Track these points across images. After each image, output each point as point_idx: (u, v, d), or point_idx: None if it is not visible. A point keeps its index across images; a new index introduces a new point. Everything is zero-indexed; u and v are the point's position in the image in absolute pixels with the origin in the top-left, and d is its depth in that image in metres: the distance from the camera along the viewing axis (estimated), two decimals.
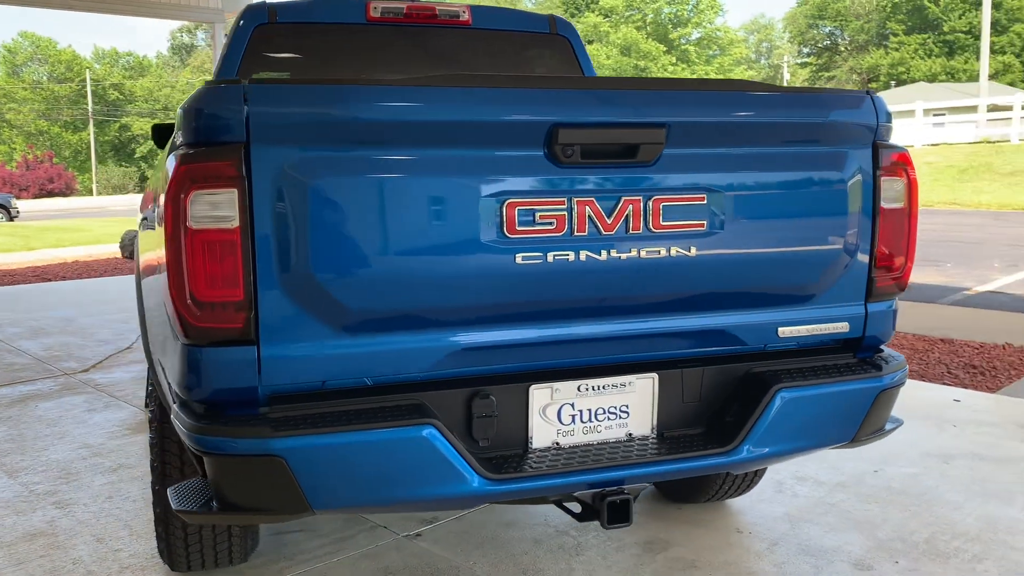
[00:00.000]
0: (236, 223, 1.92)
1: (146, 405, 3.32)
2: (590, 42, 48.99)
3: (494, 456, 2.18)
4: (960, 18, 50.12)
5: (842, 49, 57.88)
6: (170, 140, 2.34)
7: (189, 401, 2.04)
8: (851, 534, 3.28)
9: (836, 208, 2.32)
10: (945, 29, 50.53)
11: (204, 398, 2.00)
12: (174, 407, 2.12)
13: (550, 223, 2.07)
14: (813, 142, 2.31)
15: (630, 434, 2.31)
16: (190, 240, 1.92)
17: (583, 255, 2.10)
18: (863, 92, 2.38)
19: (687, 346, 2.32)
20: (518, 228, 2.05)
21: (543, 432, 2.23)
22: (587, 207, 2.09)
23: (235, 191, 1.91)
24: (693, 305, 2.26)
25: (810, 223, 2.31)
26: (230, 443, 1.95)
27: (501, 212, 2.04)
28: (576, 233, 2.09)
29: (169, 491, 2.15)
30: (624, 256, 2.13)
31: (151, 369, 2.63)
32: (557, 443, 2.25)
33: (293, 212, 1.94)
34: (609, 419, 2.28)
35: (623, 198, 2.11)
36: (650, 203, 2.13)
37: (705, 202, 2.18)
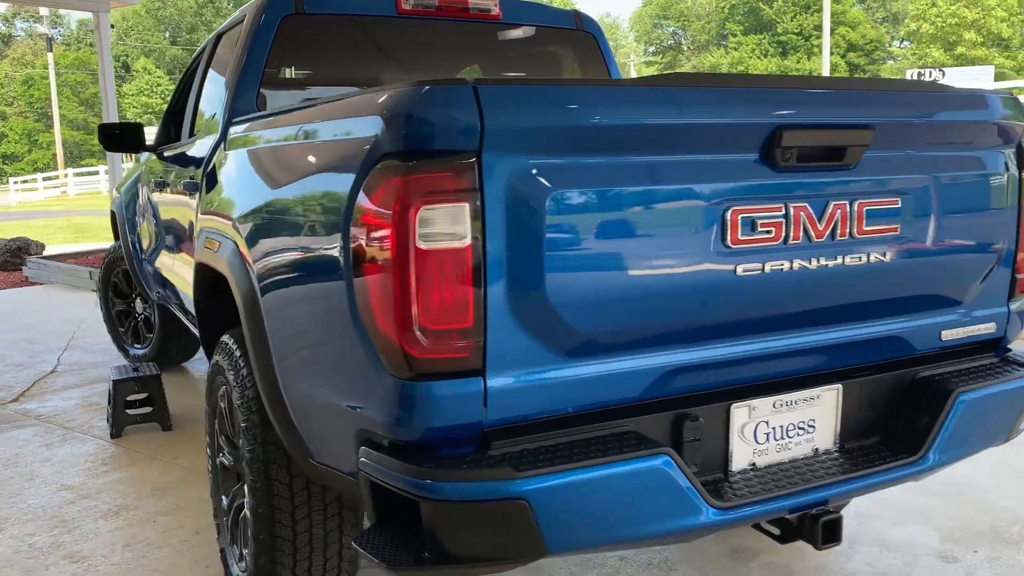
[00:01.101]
0: (467, 241, 1.70)
1: (215, 448, 2.96)
2: None
3: (702, 482, 2.04)
4: (792, 20, 53.16)
5: (685, 48, 60.29)
6: (326, 151, 2.04)
7: (397, 440, 1.80)
8: (918, 527, 3.33)
9: (997, 208, 2.33)
10: (779, 30, 53.46)
11: (419, 437, 1.77)
12: (367, 449, 1.86)
13: (768, 231, 1.96)
14: (980, 143, 2.30)
15: (816, 449, 2.22)
16: (419, 261, 1.68)
17: (796, 263, 2.01)
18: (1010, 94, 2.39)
19: (867, 353, 2.26)
20: (740, 237, 1.93)
21: (741, 453, 2.11)
22: (801, 213, 1.99)
23: (467, 206, 1.69)
24: (878, 311, 2.21)
25: (977, 224, 2.31)
26: (466, 487, 1.72)
27: (724, 221, 1.91)
28: (791, 241, 1.99)
29: (355, 543, 1.89)
30: (831, 263, 2.05)
31: (274, 406, 2.31)
32: (753, 463, 2.13)
33: (524, 227, 1.74)
34: (798, 435, 2.19)
35: (832, 203, 2.03)
36: (855, 208, 2.06)
37: (899, 205, 2.13)
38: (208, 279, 2.97)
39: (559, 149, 1.75)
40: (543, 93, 1.76)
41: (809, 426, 2.20)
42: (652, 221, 1.85)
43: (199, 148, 3.59)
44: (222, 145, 3.16)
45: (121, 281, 5.87)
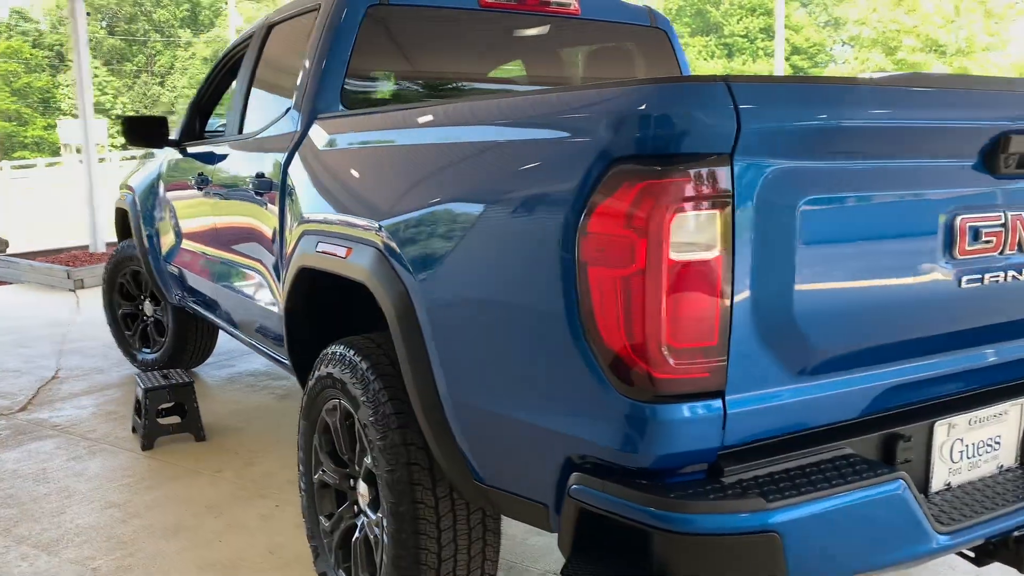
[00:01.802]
0: (717, 252, 1.57)
1: (313, 464, 2.76)
2: None
3: None
4: (738, 23, 53.94)
5: None
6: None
7: (625, 466, 1.66)
8: None
9: None
10: (725, 33, 54.21)
11: (652, 463, 1.63)
12: (582, 476, 1.72)
13: (990, 241, 1.88)
14: None
15: (1000, 466, 2.14)
16: (670, 274, 1.54)
17: (1010, 275, 1.92)
18: None
19: None
20: (967, 248, 1.84)
21: (939, 472, 2.02)
22: (1018, 222, 1.91)
23: (718, 213, 1.56)
24: None
25: None
26: (715, 519, 1.59)
27: (953, 230, 1.82)
28: (1007, 251, 1.91)
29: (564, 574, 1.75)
30: None
31: (432, 423, 2.13)
32: (948, 483, 2.04)
33: (772, 236, 1.62)
34: (986, 452, 2.10)
35: None
36: None
37: None
38: (306, 285, 2.78)
39: (808, 152, 1.64)
40: (798, 92, 1.64)
41: (995, 443, 2.12)
42: (890, 229, 1.75)
43: (265, 144, 3.38)
44: (309, 141, 2.97)
45: (129, 282, 5.57)
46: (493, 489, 2.05)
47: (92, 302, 8.05)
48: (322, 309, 2.87)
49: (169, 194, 4.74)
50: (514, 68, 3.65)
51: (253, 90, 3.84)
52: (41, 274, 8.90)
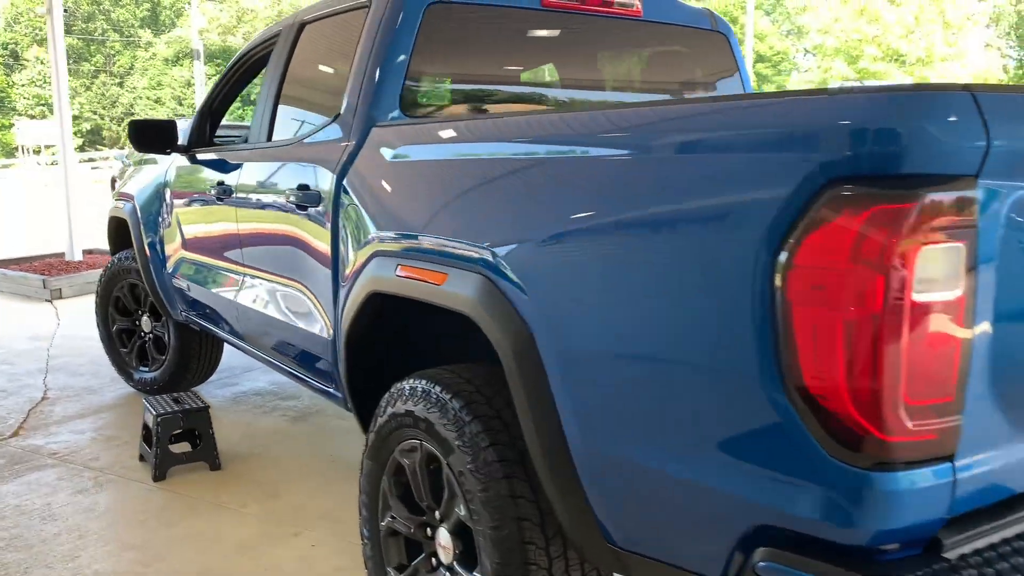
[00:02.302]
0: (960, 291, 1.34)
1: (379, 508, 2.48)
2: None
3: None
4: None
5: None
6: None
7: (837, 542, 1.42)
8: None
9: None
10: None
11: (868, 540, 1.39)
12: (774, 551, 1.47)
13: None
14: None
15: None
16: (912, 318, 1.31)
17: None
18: None
19: None
20: None
21: None
22: None
23: (963, 246, 1.33)
24: None
25: None
26: None
27: None
28: None
29: None
30: None
31: (556, 475, 1.87)
32: None
33: (1013, 273, 1.39)
34: None
35: None
36: None
37: None
38: (375, 311, 2.50)
39: None
40: None
41: None
42: None
43: (306, 154, 3.10)
44: (371, 151, 2.69)
45: (126, 296, 5.22)
46: (631, 554, 1.79)
47: (73, 314, 7.64)
48: (388, 337, 2.60)
49: (178, 203, 4.41)
50: (576, 71, 3.40)
51: (283, 94, 3.55)
52: (15, 283, 8.46)
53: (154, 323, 5.14)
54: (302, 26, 3.53)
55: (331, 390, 3.05)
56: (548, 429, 1.87)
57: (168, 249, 4.56)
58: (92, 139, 53.47)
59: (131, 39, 57.80)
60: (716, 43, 3.58)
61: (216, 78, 4.39)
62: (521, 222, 1.95)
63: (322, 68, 3.37)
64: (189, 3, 57.14)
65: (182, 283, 4.41)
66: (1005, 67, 42.20)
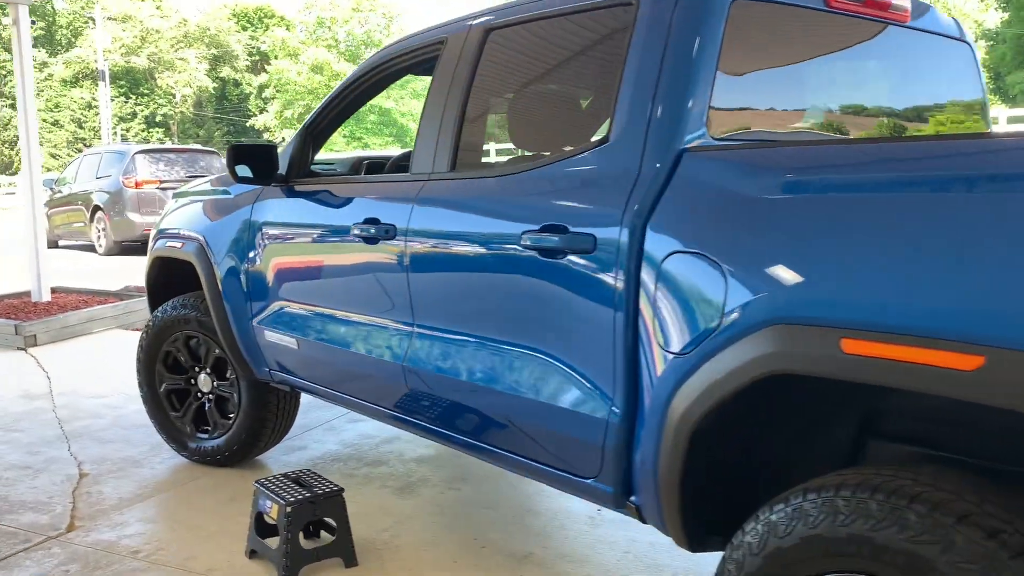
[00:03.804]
0: None
1: None
2: (275, 57, 46.48)
3: None
4: None
5: None
6: None
7: None
8: None
9: None
10: None
11: None
12: None
13: None
14: None
15: None
16: None
17: None
18: None
19: None
20: None
21: None
22: None
23: None
24: None
25: None
26: None
27: None
28: None
29: None
30: None
31: None
32: None
33: None
34: None
35: None
36: None
37: None
38: (751, 391, 1.92)
39: None
40: None
41: None
42: None
43: (550, 188, 2.50)
44: (701, 185, 2.11)
45: (181, 350, 4.43)
46: None
47: (58, 364, 6.70)
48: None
49: (279, 243, 3.70)
50: (857, 82, 2.90)
51: (469, 115, 2.92)
52: None
53: (217, 382, 4.37)
54: (488, 31, 2.92)
55: (589, 482, 2.43)
56: None
57: (259, 297, 3.83)
58: None
59: None
60: (963, 54, 3.14)
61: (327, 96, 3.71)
62: None
63: (547, 83, 2.76)
64: (87, 22, 54.59)
65: (283, 338, 3.69)
66: None
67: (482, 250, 2.70)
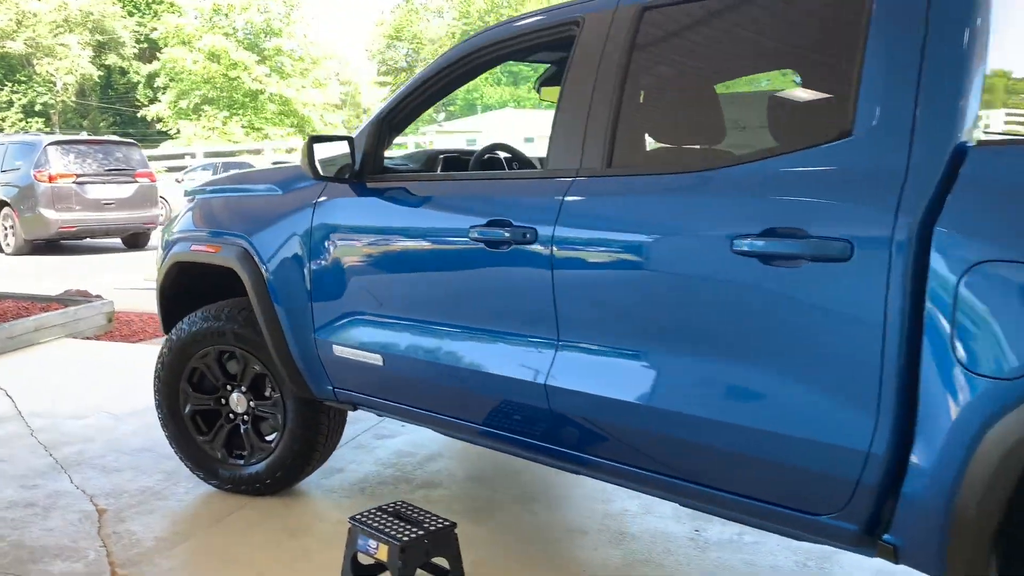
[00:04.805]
0: None
1: None
2: (166, 44, 44.32)
3: None
4: None
5: (417, 70, 60.22)
6: None
7: None
8: None
9: None
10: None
11: None
12: None
13: None
14: None
15: None
16: None
17: None
18: None
19: None
20: None
21: None
22: None
23: None
24: None
25: None
26: None
27: None
28: None
29: None
30: None
31: None
32: None
33: None
34: None
35: None
36: None
37: None
38: None
39: None
40: None
41: None
42: None
43: (774, 184, 2.22)
44: (976, 181, 1.88)
45: (212, 367, 3.95)
46: None
47: (12, 379, 6.01)
48: None
49: (354, 247, 3.30)
50: None
51: (626, 104, 2.61)
52: None
53: (255, 401, 3.92)
54: (643, 10, 2.61)
55: (823, 519, 2.16)
56: None
57: (327, 309, 3.42)
58: None
59: None
60: None
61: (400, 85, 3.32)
62: None
63: (737, 70, 2.48)
64: None
65: (362, 354, 3.29)
66: None
67: (668, 257, 2.40)
